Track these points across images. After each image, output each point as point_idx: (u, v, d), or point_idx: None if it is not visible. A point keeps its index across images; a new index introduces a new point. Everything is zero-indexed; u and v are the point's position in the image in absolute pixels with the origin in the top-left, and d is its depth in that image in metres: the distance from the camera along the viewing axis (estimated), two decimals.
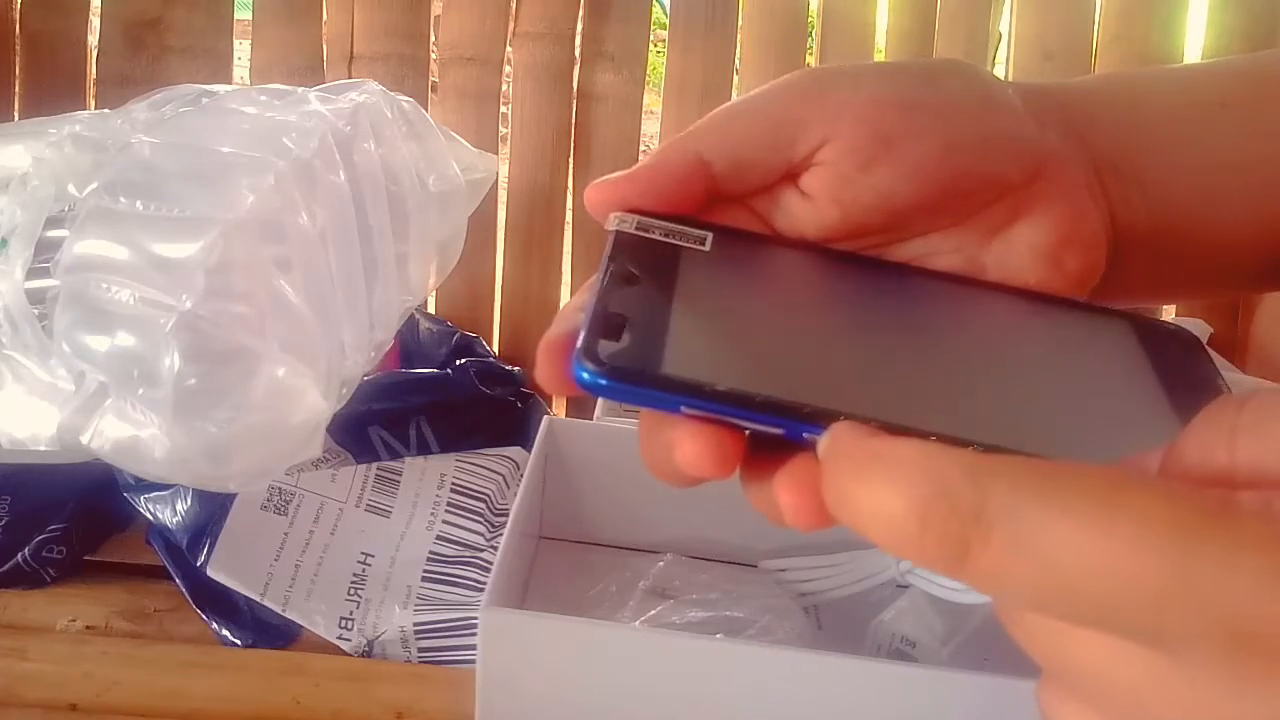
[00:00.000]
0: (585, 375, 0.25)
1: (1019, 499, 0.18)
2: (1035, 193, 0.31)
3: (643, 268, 0.28)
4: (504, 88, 0.84)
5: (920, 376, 0.27)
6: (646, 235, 0.29)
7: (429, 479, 0.62)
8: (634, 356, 0.25)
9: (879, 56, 0.94)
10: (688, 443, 0.24)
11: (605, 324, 0.26)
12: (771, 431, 0.24)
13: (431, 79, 0.84)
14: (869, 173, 0.29)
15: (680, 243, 0.29)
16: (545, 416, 0.59)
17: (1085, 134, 0.33)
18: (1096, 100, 0.35)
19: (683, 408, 0.25)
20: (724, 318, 0.28)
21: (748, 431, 0.24)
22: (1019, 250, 0.31)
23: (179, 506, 0.58)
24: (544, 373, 0.26)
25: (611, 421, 0.61)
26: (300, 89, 0.64)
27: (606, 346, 0.25)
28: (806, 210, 0.30)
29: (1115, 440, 0.26)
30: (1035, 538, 0.17)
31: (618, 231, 0.29)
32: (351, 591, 0.57)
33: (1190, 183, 0.34)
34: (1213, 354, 0.64)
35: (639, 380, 0.25)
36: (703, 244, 0.29)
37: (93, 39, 0.83)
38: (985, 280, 0.31)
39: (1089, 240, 0.31)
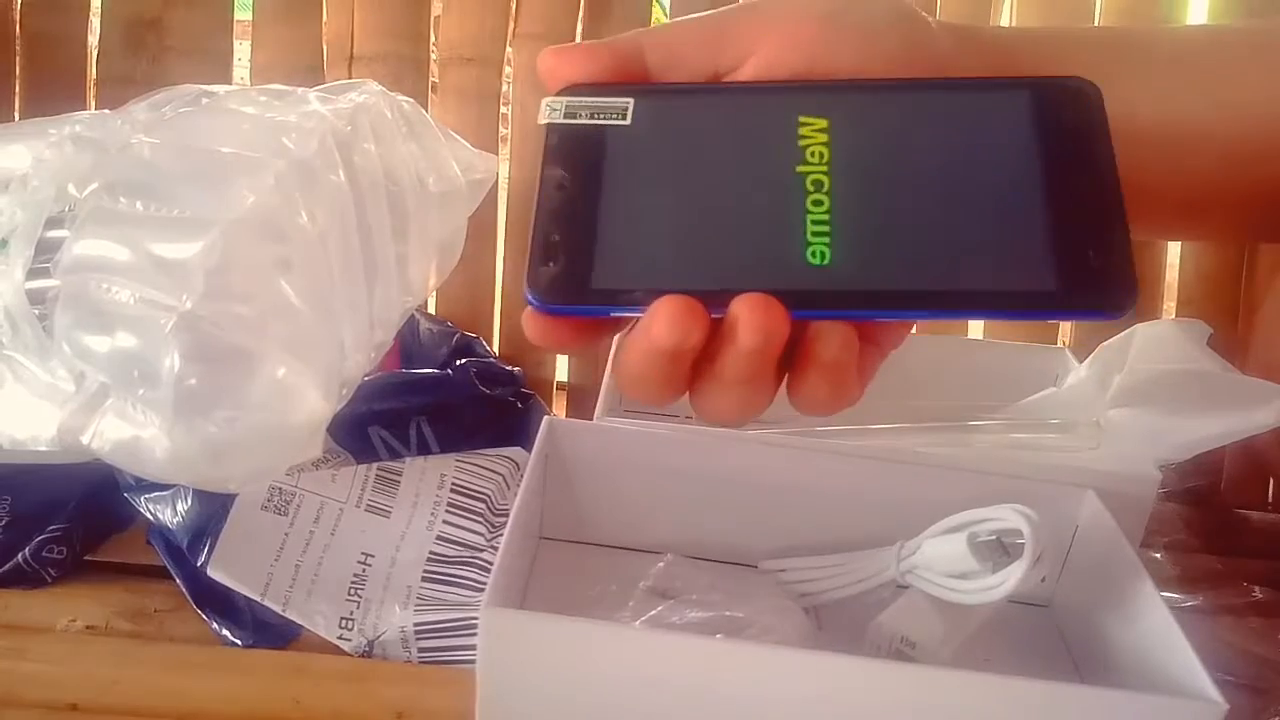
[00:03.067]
0: (533, 301, 0.30)
1: None
2: None
3: (571, 165, 0.32)
4: (504, 88, 0.84)
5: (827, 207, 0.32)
6: (574, 122, 0.33)
7: (429, 479, 0.62)
8: (569, 277, 0.30)
9: None
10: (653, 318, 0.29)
11: (543, 250, 0.30)
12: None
13: (431, 79, 0.84)
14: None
15: (604, 122, 0.33)
16: (545, 416, 0.59)
17: (1000, 63, 0.36)
18: (1023, 38, 0.37)
19: (612, 313, 0.30)
20: (648, 206, 0.32)
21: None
22: None
23: (179, 506, 0.58)
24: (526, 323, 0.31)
25: (611, 421, 0.60)
26: (300, 89, 0.64)
27: (545, 273, 0.30)
28: None
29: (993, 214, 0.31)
30: None
31: (549, 125, 0.33)
32: (351, 591, 0.57)
33: None
34: (1213, 354, 0.64)
35: (576, 300, 0.30)
36: (624, 117, 0.33)
37: (93, 39, 0.83)
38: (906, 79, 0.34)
39: None
